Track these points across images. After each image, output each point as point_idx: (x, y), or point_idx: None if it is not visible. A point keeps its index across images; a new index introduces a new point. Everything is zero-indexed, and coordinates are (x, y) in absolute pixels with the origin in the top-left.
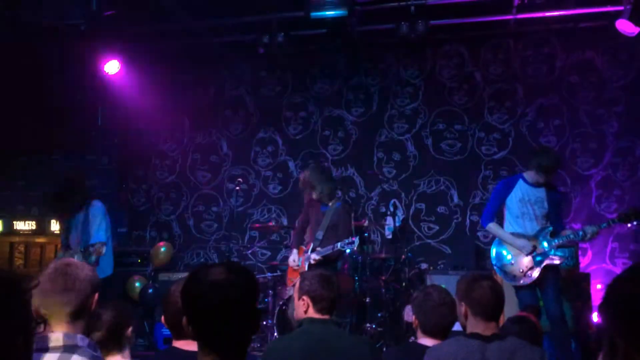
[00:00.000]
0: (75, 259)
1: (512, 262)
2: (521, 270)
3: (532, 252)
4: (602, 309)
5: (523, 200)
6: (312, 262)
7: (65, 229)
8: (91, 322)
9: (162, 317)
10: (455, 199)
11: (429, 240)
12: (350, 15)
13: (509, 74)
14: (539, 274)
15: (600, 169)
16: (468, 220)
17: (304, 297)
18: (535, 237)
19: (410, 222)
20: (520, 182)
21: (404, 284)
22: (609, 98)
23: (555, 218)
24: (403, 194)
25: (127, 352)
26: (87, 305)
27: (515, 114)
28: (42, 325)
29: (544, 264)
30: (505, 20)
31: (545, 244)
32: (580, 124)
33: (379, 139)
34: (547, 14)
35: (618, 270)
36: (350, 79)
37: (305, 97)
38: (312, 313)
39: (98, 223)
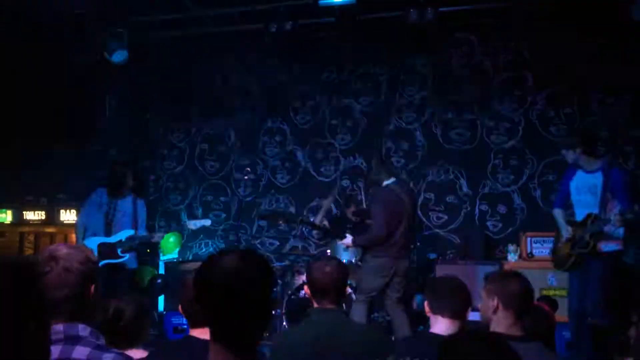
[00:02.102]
0: (69, 250)
1: (560, 247)
2: (563, 255)
3: (570, 239)
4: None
5: (577, 188)
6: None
7: (110, 211)
8: (113, 317)
9: (180, 306)
10: (465, 189)
11: (437, 230)
12: (358, 3)
13: (519, 62)
14: (579, 261)
15: (611, 158)
16: (477, 210)
17: (305, 287)
18: (581, 225)
19: (419, 211)
20: (577, 169)
21: (412, 274)
22: (620, 86)
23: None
24: (412, 184)
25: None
26: (85, 297)
27: (525, 102)
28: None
29: (578, 251)
30: (515, 7)
31: (583, 232)
32: (591, 112)
33: (387, 128)
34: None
35: None
36: (358, 67)
37: (313, 86)
38: (316, 303)
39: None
